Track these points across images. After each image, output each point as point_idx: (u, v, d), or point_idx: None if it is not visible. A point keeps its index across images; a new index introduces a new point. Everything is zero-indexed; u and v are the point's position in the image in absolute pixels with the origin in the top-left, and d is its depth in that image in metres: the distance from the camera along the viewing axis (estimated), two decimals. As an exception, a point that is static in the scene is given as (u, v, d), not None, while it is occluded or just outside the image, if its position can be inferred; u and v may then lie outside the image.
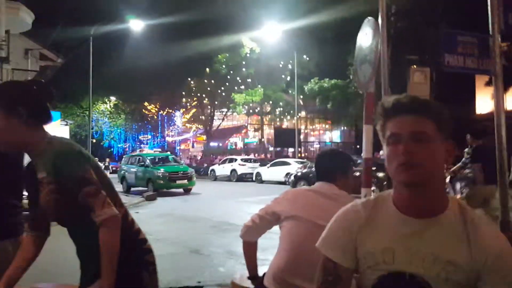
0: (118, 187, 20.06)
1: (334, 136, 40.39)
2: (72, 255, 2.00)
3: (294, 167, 20.83)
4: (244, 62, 33.71)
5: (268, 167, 23.52)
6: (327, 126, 40.22)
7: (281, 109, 35.46)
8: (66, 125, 27.57)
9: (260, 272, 2.37)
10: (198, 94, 40.45)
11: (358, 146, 29.39)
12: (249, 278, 2.42)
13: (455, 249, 1.13)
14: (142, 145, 47.27)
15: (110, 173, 32.63)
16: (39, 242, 1.79)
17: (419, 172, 1.11)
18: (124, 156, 26.39)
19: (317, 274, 1.29)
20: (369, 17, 4.02)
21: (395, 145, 1.14)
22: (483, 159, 6.54)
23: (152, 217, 11.70)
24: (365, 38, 4.04)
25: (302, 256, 2.04)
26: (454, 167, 7.77)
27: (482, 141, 7.18)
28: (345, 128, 38.56)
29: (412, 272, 1.14)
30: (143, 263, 1.75)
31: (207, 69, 37.24)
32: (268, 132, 39.68)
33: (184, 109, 44.93)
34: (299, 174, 17.54)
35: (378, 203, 1.26)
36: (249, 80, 34.45)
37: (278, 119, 37.69)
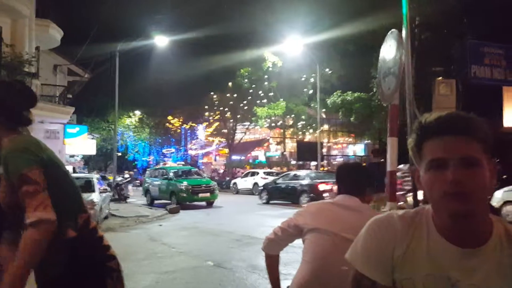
0: (142, 200, 20.33)
1: (357, 149, 39.96)
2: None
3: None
4: (266, 76, 33.87)
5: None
6: (350, 139, 39.85)
7: (304, 122, 35.35)
8: (93, 138, 28.26)
9: (283, 286, 2.34)
10: (221, 108, 40.79)
11: (382, 160, 28.92)
12: (272, 291, 2.39)
13: (498, 282, 1.06)
14: (165, 158, 47.79)
15: (134, 186, 32.97)
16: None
17: (469, 203, 1.01)
18: (147, 169, 26.72)
19: None
20: (393, 29, 4.00)
21: (439, 170, 1.03)
22: None
23: (175, 230, 11.77)
24: (389, 50, 4.01)
25: (326, 268, 2.02)
26: None
27: None
28: (369, 141, 38.13)
29: None
30: (106, 270, 1.69)
31: (230, 83, 37.58)
32: (291, 145, 39.56)
33: (206, 123, 45.32)
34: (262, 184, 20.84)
35: (418, 221, 1.16)
36: (271, 93, 34.56)
37: (300, 133, 37.56)
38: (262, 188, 20.61)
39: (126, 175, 31.12)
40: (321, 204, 2.34)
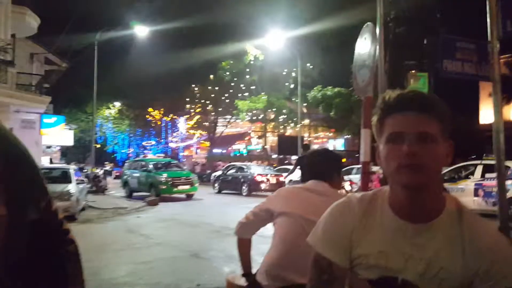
0: (121, 192, 20.15)
1: (337, 144, 40.32)
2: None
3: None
4: (248, 69, 33.85)
5: None
6: (330, 134, 40.19)
7: (285, 116, 35.48)
8: (70, 129, 27.79)
9: (254, 270, 2.39)
10: (202, 101, 40.59)
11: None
12: (243, 275, 2.44)
13: (449, 255, 1.10)
14: (145, 151, 47.41)
15: (114, 178, 32.62)
16: None
17: (422, 175, 1.05)
18: (127, 161, 26.46)
19: (309, 270, 1.25)
20: (368, 23, 4.07)
21: (396, 144, 1.07)
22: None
23: (153, 222, 11.73)
24: (364, 43, 4.08)
25: (295, 250, 2.07)
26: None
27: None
28: (349, 136, 38.53)
29: (404, 278, 1.11)
30: (66, 253, 1.68)
31: (211, 76, 37.40)
32: (272, 139, 39.68)
33: (188, 115, 45.04)
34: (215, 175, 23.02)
35: (374, 201, 1.21)
36: (252, 87, 34.57)
37: (281, 127, 37.70)
38: (215, 178, 22.76)
39: (107, 167, 30.76)
40: (291, 189, 2.40)
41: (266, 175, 19.78)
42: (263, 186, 19.13)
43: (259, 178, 19.34)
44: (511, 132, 4.28)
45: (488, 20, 4.11)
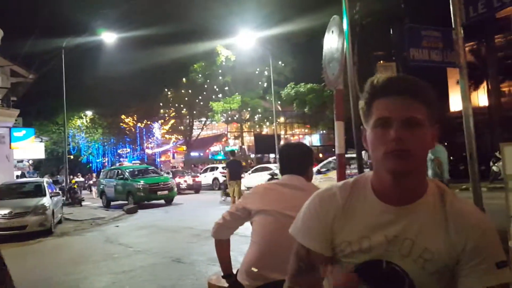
0: (98, 203, 19.77)
1: (313, 139, 40.66)
2: (45, 271, 1.95)
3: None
4: (220, 71, 33.76)
5: (249, 174, 23.51)
6: (306, 130, 40.49)
7: (260, 115, 35.56)
8: (41, 142, 27.09)
9: (235, 270, 2.35)
10: (176, 105, 40.28)
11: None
12: (223, 277, 2.40)
13: (433, 235, 1.09)
14: (121, 159, 46.61)
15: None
16: None
17: (409, 161, 1.05)
18: (102, 170, 25.98)
19: (290, 260, 1.24)
20: (335, 16, 4.08)
21: (383, 129, 1.07)
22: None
23: (132, 230, 11.54)
24: (332, 37, 4.09)
25: (273, 248, 2.04)
26: None
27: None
28: (324, 131, 38.88)
29: (389, 260, 1.10)
30: None
31: (184, 79, 37.15)
32: (248, 139, 39.70)
33: (162, 120, 44.60)
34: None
35: (356, 188, 1.19)
36: (226, 88, 34.50)
37: (257, 126, 37.76)
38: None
39: (79, 178, 30.07)
40: (267, 185, 2.36)
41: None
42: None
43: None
44: (480, 117, 4.37)
45: (451, 7, 4.18)
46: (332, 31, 4.02)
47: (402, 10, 15.69)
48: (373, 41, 14.95)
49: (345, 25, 3.92)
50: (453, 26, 4.19)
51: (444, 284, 1.10)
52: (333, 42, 4.01)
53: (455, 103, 22.04)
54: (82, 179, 29.92)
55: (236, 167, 14.31)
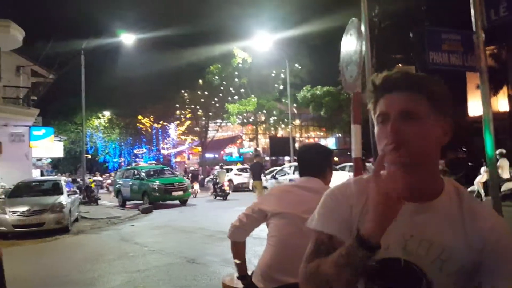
0: (114, 202, 19.99)
1: (329, 143, 40.45)
2: (61, 268, 1.98)
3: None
4: (236, 72, 33.80)
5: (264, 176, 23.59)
6: (321, 133, 40.28)
7: (275, 118, 35.50)
8: (60, 141, 27.52)
9: (250, 271, 2.35)
10: (192, 106, 40.45)
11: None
12: (238, 277, 2.40)
13: (451, 235, 1.07)
14: (137, 159, 47.11)
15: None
16: None
17: (407, 152, 1.04)
18: (118, 170, 26.25)
19: (307, 250, 1.20)
20: (353, 18, 4.06)
21: (383, 124, 1.08)
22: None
23: (147, 229, 11.63)
24: (350, 39, 4.07)
25: (289, 251, 2.03)
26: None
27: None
28: (340, 135, 38.63)
29: (407, 259, 1.08)
30: None
31: (200, 81, 37.29)
32: (264, 141, 39.66)
33: (178, 121, 44.86)
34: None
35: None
36: (242, 90, 34.52)
37: (272, 128, 37.69)
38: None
39: (98, 177, 30.44)
40: (284, 187, 2.35)
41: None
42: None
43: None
44: (499, 123, 4.29)
45: (472, 10, 4.12)
46: (351, 34, 3.99)
47: (422, 12, 15.49)
48: (392, 43, 14.80)
49: (363, 28, 3.89)
50: (474, 30, 4.12)
51: (462, 285, 1.07)
52: (351, 44, 3.98)
53: (474, 107, 21.67)
54: (100, 178, 30.25)
55: (257, 168, 15.62)
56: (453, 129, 1.12)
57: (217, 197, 20.23)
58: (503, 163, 11.67)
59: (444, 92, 1.10)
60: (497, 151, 11.05)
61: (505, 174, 11.62)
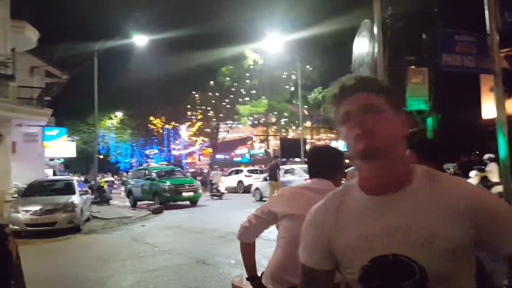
0: (125, 202, 20.12)
1: (340, 145, 40.24)
2: (72, 267, 2.01)
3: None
4: (247, 74, 33.86)
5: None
6: (332, 135, 40.11)
7: (286, 119, 35.46)
8: (73, 141, 27.82)
9: (259, 273, 2.35)
10: (203, 107, 40.60)
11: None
12: (248, 279, 2.40)
13: (430, 216, 1.07)
14: (148, 160, 47.39)
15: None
16: None
17: (373, 139, 1.09)
18: (130, 170, 26.44)
19: (298, 278, 1.29)
20: (365, 20, 4.04)
21: (348, 121, 1.14)
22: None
23: (158, 230, 11.69)
24: (362, 41, 4.05)
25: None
26: None
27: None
28: (351, 137, 38.40)
29: (394, 253, 1.08)
30: (4, 234, 1.82)
31: (211, 82, 37.43)
32: (274, 143, 39.63)
33: (189, 122, 45.05)
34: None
35: (346, 191, 1.23)
36: (253, 91, 34.55)
37: (283, 130, 37.65)
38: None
39: (111, 178, 30.61)
40: (294, 189, 2.34)
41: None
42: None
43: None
44: (513, 126, 4.24)
45: (486, 12, 4.07)
46: (363, 35, 3.98)
47: (435, 14, 15.32)
48: (404, 45, 14.66)
49: (376, 29, 3.87)
50: (488, 31, 4.08)
51: (457, 262, 1.07)
52: (363, 46, 3.97)
53: (488, 110, 21.39)
54: (112, 178, 30.43)
55: (273, 169, 16.41)
56: (409, 123, 1.21)
57: (214, 197, 21.54)
58: (493, 167, 11.68)
59: (396, 90, 1.20)
60: (486, 156, 11.19)
61: (495, 178, 11.59)
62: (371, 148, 1.10)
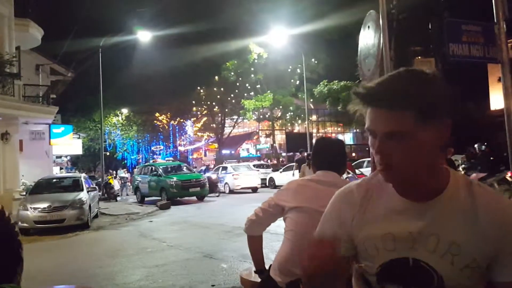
0: (133, 198, 20.22)
1: (346, 138, 40.16)
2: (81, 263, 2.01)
3: None
4: (252, 68, 33.76)
5: (280, 172, 23.57)
6: (339, 129, 40.03)
7: (292, 113, 35.38)
8: (79, 138, 27.94)
9: (267, 265, 2.35)
10: (208, 102, 40.61)
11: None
12: (256, 272, 2.40)
13: (460, 229, 1.05)
14: (154, 156, 47.52)
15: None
16: None
17: (393, 174, 1.06)
18: (137, 166, 26.53)
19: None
20: (371, 11, 4.00)
21: (373, 138, 1.07)
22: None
23: (165, 225, 11.74)
24: (368, 32, 4.01)
25: (306, 245, 2.01)
26: None
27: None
28: (357, 130, 38.33)
29: (415, 257, 1.08)
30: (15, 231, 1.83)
31: (216, 77, 37.40)
32: (280, 137, 39.61)
33: (195, 118, 45.12)
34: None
35: (374, 183, 1.19)
36: (258, 86, 34.47)
37: (289, 124, 37.58)
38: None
39: (123, 174, 30.44)
40: (300, 181, 2.33)
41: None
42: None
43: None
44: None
45: (493, 0, 4.02)
46: (368, 27, 3.94)
47: (441, 3, 15.16)
48: (411, 35, 14.52)
49: (381, 20, 3.83)
50: (496, 20, 4.02)
51: (476, 281, 1.05)
52: (369, 37, 3.93)
53: (496, 101, 21.22)
54: (126, 175, 30.37)
55: (300, 162, 16.04)
56: (451, 129, 1.06)
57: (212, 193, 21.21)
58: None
59: (438, 95, 1.02)
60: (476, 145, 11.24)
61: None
62: (393, 181, 1.09)
